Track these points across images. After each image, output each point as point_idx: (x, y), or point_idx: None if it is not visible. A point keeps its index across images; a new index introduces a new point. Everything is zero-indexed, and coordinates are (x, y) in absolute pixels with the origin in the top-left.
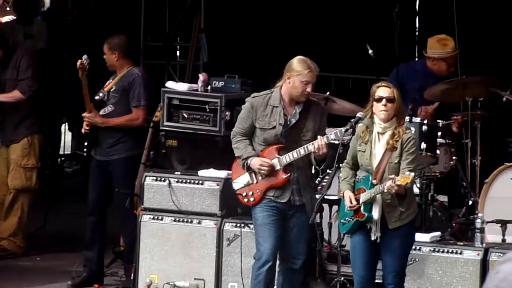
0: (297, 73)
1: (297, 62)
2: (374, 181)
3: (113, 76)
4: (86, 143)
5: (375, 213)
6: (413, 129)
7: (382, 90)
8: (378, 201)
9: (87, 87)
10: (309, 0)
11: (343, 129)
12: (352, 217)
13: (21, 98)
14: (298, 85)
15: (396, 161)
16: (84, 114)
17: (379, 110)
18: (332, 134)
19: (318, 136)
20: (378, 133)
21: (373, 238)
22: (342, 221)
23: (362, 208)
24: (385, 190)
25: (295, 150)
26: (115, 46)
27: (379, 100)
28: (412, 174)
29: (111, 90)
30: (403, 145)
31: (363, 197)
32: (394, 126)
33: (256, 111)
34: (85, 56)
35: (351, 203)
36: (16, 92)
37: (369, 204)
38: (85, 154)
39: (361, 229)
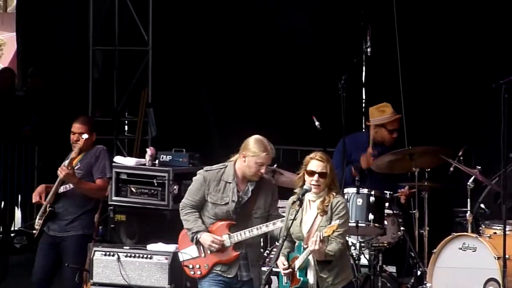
0: (253, 154)
1: (253, 143)
2: (305, 246)
3: (72, 153)
4: (38, 219)
5: (310, 277)
6: (361, 200)
7: (315, 164)
8: (312, 266)
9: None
10: (256, 73)
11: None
12: (290, 286)
13: None
14: (253, 165)
15: (326, 224)
16: (63, 169)
17: (311, 183)
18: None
19: (316, 233)
20: (310, 200)
21: None
22: None
23: (297, 274)
24: (309, 248)
25: (248, 229)
26: (94, 127)
27: (311, 174)
28: (337, 222)
29: (76, 167)
30: (332, 209)
31: (297, 263)
32: (325, 194)
33: (208, 185)
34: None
35: (283, 265)
36: None
37: (303, 269)
38: (33, 231)
39: None
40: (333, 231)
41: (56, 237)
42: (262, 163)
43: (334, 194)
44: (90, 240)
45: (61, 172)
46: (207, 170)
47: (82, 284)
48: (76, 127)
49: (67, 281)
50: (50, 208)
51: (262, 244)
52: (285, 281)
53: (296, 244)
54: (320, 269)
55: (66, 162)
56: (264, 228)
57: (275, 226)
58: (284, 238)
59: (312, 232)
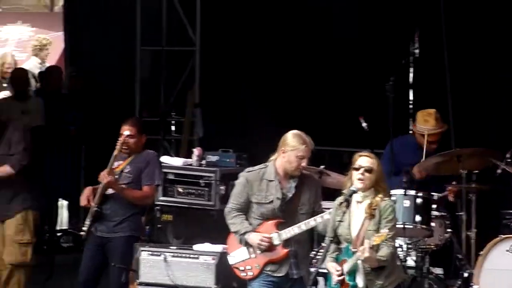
0: (292, 148)
1: (292, 137)
2: (354, 250)
3: (121, 157)
4: (87, 221)
5: (360, 281)
6: (408, 201)
7: (362, 160)
8: (360, 270)
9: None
10: (303, 73)
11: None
12: None
13: (11, 173)
14: (293, 160)
15: (374, 228)
16: (104, 176)
17: (357, 178)
18: (326, 213)
19: (366, 241)
20: (357, 202)
21: None
22: None
23: (346, 278)
24: (358, 256)
25: (296, 225)
26: (143, 129)
27: (357, 169)
28: (386, 230)
29: (125, 170)
30: (381, 212)
31: (346, 267)
32: (372, 196)
33: (251, 186)
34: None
35: (336, 271)
36: (6, 166)
37: (352, 273)
38: (81, 232)
39: None
40: (382, 240)
41: (103, 238)
42: (303, 156)
43: (381, 196)
44: (137, 242)
45: (103, 179)
46: (248, 171)
47: (129, 284)
48: (125, 129)
49: (113, 282)
50: (96, 209)
51: (310, 242)
52: (334, 283)
53: (344, 246)
54: (371, 273)
55: (108, 168)
56: (312, 223)
57: (323, 218)
58: (331, 239)
59: (360, 235)
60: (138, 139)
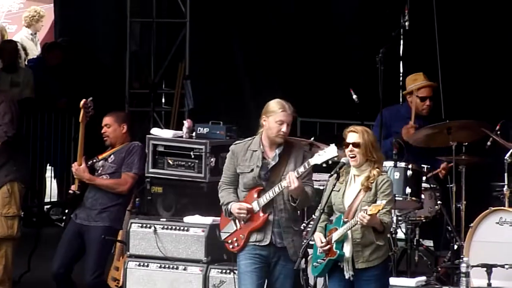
0: (271, 113)
1: (272, 103)
2: (345, 219)
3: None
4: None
5: (347, 251)
6: (398, 173)
7: (350, 136)
8: (349, 239)
9: (83, 137)
10: (294, 45)
11: (312, 159)
12: (324, 258)
13: None
14: (273, 126)
15: (370, 199)
16: (74, 166)
17: (347, 154)
18: (301, 167)
19: (290, 172)
20: (354, 175)
21: (346, 276)
22: (314, 263)
23: (334, 246)
24: (358, 221)
25: (270, 190)
26: (123, 119)
27: (346, 145)
28: (384, 201)
29: (108, 159)
30: (377, 186)
31: (335, 235)
32: (369, 169)
33: (237, 157)
34: (90, 98)
35: (321, 243)
36: None
37: (340, 242)
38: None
39: (334, 270)
40: (379, 210)
41: (83, 225)
42: (281, 120)
43: (379, 170)
44: (114, 235)
45: (73, 168)
46: (235, 144)
47: (120, 256)
48: (104, 119)
49: (87, 272)
50: (72, 192)
51: (298, 212)
52: (319, 252)
53: (336, 216)
54: (359, 245)
55: (78, 158)
56: (284, 184)
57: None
58: (321, 211)
59: (353, 206)
60: (117, 128)
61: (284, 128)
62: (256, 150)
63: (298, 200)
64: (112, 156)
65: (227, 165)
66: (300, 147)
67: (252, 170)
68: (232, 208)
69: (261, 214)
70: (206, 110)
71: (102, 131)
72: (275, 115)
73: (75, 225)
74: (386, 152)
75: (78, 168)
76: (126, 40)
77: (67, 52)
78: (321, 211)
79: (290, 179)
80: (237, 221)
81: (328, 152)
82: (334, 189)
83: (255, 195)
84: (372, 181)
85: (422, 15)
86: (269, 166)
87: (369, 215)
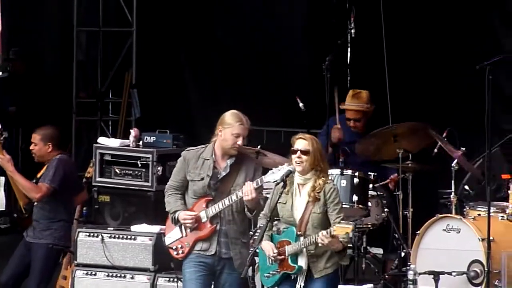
0: (228, 125)
1: (229, 115)
2: (299, 232)
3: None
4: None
5: (302, 263)
6: (345, 181)
7: (299, 142)
8: (303, 252)
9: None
10: (240, 54)
11: (265, 176)
12: (278, 270)
13: None
14: (229, 138)
15: (319, 211)
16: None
17: (295, 161)
18: (254, 183)
19: (247, 182)
20: (299, 184)
21: (297, 287)
22: (265, 275)
23: (289, 260)
24: (318, 241)
25: (220, 201)
26: (49, 138)
27: (294, 152)
28: (352, 224)
29: (40, 178)
30: (325, 196)
31: (290, 249)
32: (314, 178)
33: (188, 164)
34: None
35: (273, 252)
36: None
37: (294, 255)
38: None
39: (286, 280)
40: (347, 232)
41: (30, 243)
42: (238, 134)
43: (324, 179)
44: (59, 252)
45: None
46: (187, 150)
47: (67, 265)
48: (32, 136)
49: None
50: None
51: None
52: (270, 263)
53: (287, 228)
54: (314, 256)
55: None
56: (234, 197)
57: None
58: (268, 219)
59: (304, 218)
60: (42, 147)
61: (240, 141)
62: (208, 159)
63: (255, 211)
64: (42, 175)
65: (178, 169)
66: (251, 160)
67: (202, 179)
68: (179, 216)
69: (209, 225)
70: (152, 119)
71: (30, 147)
72: (232, 128)
73: (25, 242)
74: (330, 161)
75: (3, 157)
76: (73, 50)
77: (16, 64)
78: (268, 219)
79: (248, 190)
80: (183, 228)
81: (282, 170)
82: (280, 201)
83: (203, 205)
84: (318, 191)
85: (370, 22)
86: (220, 176)
87: (331, 236)
